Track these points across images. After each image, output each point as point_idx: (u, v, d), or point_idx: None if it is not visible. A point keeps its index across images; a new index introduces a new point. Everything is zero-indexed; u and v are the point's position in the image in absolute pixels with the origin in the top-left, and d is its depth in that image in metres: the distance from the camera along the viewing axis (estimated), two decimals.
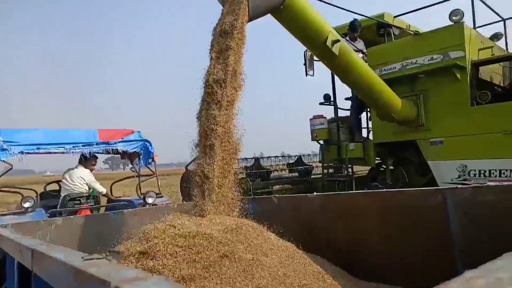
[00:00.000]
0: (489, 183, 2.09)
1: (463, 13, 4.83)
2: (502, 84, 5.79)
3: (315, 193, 3.13)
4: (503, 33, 6.05)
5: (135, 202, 5.00)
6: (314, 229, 2.98)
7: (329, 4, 4.12)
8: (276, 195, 3.52)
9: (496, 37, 5.88)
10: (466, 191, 2.15)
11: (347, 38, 5.63)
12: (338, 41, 3.81)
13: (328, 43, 3.71)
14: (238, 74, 2.85)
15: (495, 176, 4.52)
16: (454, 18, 4.85)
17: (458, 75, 4.80)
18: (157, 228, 2.16)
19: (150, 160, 5.38)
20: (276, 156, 8.52)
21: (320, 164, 8.46)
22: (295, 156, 8.57)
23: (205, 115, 2.77)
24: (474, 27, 5.35)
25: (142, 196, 4.96)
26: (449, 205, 2.22)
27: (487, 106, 4.74)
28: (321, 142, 6.47)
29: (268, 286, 2.04)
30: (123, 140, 5.22)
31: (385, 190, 2.62)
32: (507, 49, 6.29)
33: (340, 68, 4.10)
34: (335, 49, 3.80)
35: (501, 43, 6.16)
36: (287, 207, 3.34)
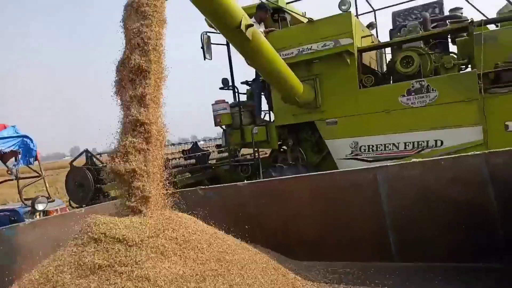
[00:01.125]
0: (413, 160, 2.35)
1: (350, 3, 5.31)
2: (376, 69, 6.61)
3: (245, 182, 3.10)
4: (375, 22, 6.87)
5: (20, 210, 4.20)
6: (247, 218, 2.96)
7: None
8: (201, 187, 3.37)
9: (371, 26, 6.65)
10: (394, 168, 2.40)
11: (253, 19, 5.63)
12: (251, 25, 3.78)
13: (242, 27, 3.64)
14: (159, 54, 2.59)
15: (381, 150, 5.20)
16: (343, 7, 5.28)
17: (348, 60, 5.29)
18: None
19: (32, 160, 4.55)
20: (172, 144, 8.15)
21: (216, 149, 8.48)
22: (191, 143, 8.36)
23: (130, 107, 2.44)
24: (357, 16, 5.94)
25: (28, 203, 4.18)
26: (379, 181, 2.44)
27: (371, 88, 5.37)
28: (224, 127, 6.44)
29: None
30: None
31: (317, 173, 2.74)
32: (377, 37, 7.19)
33: (251, 53, 4.09)
34: (248, 33, 3.76)
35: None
36: (215, 198, 3.23)
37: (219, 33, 7.02)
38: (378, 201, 2.40)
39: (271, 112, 6.96)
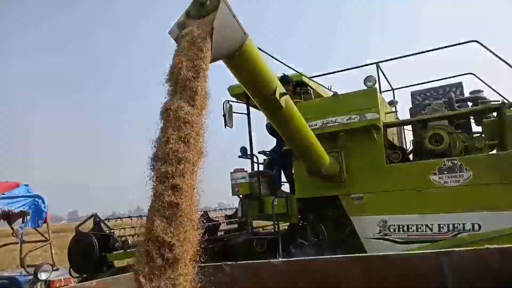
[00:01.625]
0: (487, 246, 2.06)
1: (376, 80, 5.37)
2: (397, 145, 6.51)
3: (280, 259, 2.76)
4: (396, 100, 6.94)
5: (21, 279, 3.79)
6: None
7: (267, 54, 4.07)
8: (227, 263, 3.01)
9: (392, 103, 6.70)
10: (464, 254, 2.09)
11: None
12: (285, 94, 3.73)
13: (277, 95, 3.58)
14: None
15: (413, 231, 4.84)
16: (368, 83, 5.33)
17: (375, 135, 5.18)
18: None
19: (41, 222, 4.24)
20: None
21: (226, 220, 8.06)
22: (200, 211, 7.99)
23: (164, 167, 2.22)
24: (380, 93, 5.99)
25: (30, 271, 3.78)
26: (445, 270, 2.12)
27: (400, 165, 5.19)
28: (241, 196, 6.17)
29: None
30: (5, 197, 4.02)
31: (374, 254, 2.42)
32: (396, 114, 7.22)
33: (282, 121, 3.98)
34: (282, 101, 3.69)
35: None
36: (244, 276, 2.87)
37: (240, 102, 7.22)
38: None
39: (288, 184, 6.76)
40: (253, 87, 3.54)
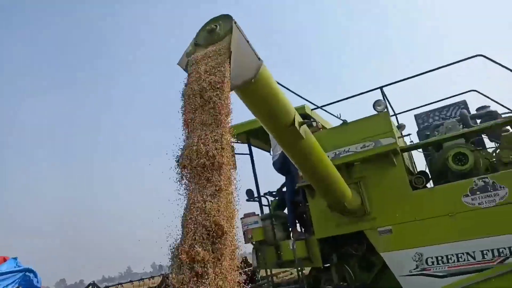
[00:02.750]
0: None
1: (385, 104, 5.11)
2: (411, 170, 6.16)
3: None
4: (404, 124, 6.69)
5: None
6: None
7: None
8: None
9: (400, 127, 6.43)
10: None
11: None
12: (304, 123, 3.39)
13: (296, 124, 3.24)
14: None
15: (453, 261, 4.35)
16: (378, 108, 5.06)
17: (395, 160, 4.83)
18: None
19: None
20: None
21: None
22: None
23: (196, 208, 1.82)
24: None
25: None
26: None
27: (426, 189, 4.81)
28: (254, 243, 5.61)
29: None
30: None
31: None
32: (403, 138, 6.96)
33: (302, 153, 3.61)
34: (302, 131, 3.34)
35: None
36: None
37: (241, 142, 6.86)
38: None
39: (301, 225, 6.27)
40: (270, 117, 3.19)
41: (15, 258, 3.87)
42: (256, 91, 2.83)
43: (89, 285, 5.58)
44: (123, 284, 6.21)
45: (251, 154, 6.51)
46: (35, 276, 3.69)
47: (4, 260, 3.77)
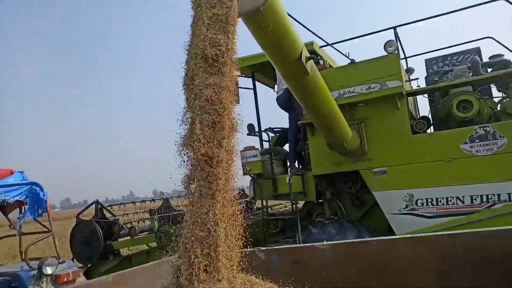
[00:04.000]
0: None
1: (397, 45, 4.94)
2: (414, 114, 6.15)
3: (326, 243, 2.40)
4: (413, 68, 6.54)
5: (24, 275, 3.38)
6: None
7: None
8: (261, 248, 2.66)
9: (409, 71, 6.30)
10: None
11: None
12: (311, 58, 3.31)
13: (303, 59, 3.16)
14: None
15: (443, 204, 4.53)
16: (389, 49, 4.89)
17: (399, 104, 4.81)
18: None
19: (41, 211, 3.81)
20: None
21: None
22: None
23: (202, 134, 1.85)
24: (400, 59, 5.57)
25: (34, 265, 3.39)
26: None
27: (427, 134, 4.85)
28: (252, 176, 5.79)
29: None
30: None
31: (445, 233, 2.07)
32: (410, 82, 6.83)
33: (307, 90, 3.57)
34: (308, 66, 3.28)
35: None
36: (282, 263, 2.52)
37: (245, 76, 6.76)
38: None
39: (299, 161, 6.42)
40: (276, 50, 3.10)
41: (22, 172, 4.04)
42: (264, 20, 2.72)
43: (92, 203, 5.87)
44: (125, 204, 6.54)
45: (254, 89, 6.45)
46: (41, 190, 3.87)
47: (11, 172, 3.93)
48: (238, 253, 1.97)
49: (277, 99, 5.94)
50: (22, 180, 3.81)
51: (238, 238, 2.00)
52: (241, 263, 2.01)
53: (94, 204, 5.91)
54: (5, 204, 3.76)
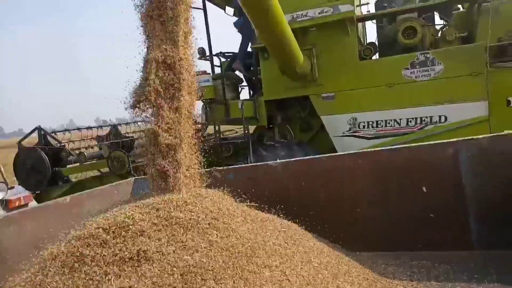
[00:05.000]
0: (506, 131, 2.00)
1: None
2: (362, 40, 6.30)
3: (279, 160, 2.58)
4: None
5: None
6: (287, 203, 2.46)
7: None
8: (217, 168, 2.80)
9: None
10: (483, 142, 2.03)
11: None
12: None
13: None
14: None
15: (382, 127, 4.92)
16: None
17: (349, 30, 4.88)
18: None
19: None
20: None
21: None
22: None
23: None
24: None
25: None
26: (462, 158, 2.08)
27: (373, 61, 5.05)
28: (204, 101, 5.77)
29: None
30: None
31: (382, 149, 2.31)
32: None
33: (262, 10, 3.51)
34: None
35: None
36: (239, 181, 2.69)
37: None
38: (459, 182, 2.04)
39: (250, 87, 6.46)
40: None
41: None
42: None
43: (34, 129, 5.57)
44: (70, 131, 6.28)
45: (204, 9, 6.12)
46: None
47: None
48: (196, 172, 2.07)
49: (235, 23, 5.76)
50: None
51: (196, 157, 2.09)
52: (198, 181, 2.13)
53: (36, 131, 5.62)
54: None
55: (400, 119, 4.84)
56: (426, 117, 4.72)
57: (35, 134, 5.86)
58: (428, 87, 4.69)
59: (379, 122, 4.93)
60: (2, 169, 3.85)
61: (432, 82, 4.67)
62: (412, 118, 4.79)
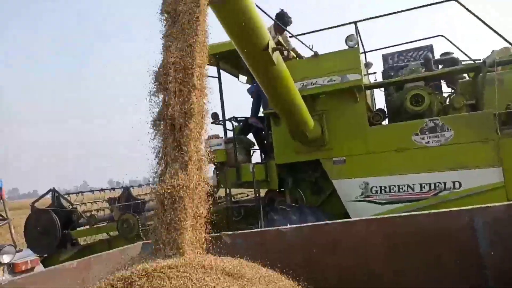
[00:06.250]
0: None
1: (357, 39, 5.17)
2: (371, 107, 6.47)
3: (289, 226, 2.54)
4: (371, 62, 6.85)
5: None
6: (293, 271, 2.37)
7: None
8: (227, 233, 2.76)
9: (367, 65, 6.59)
10: (499, 209, 1.98)
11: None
12: (278, 49, 3.41)
13: (269, 49, 3.26)
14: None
15: (395, 192, 4.85)
16: (350, 43, 5.11)
17: (358, 97, 5.05)
18: None
19: None
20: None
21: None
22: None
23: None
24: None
25: None
26: (477, 226, 2.01)
27: (383, 126, 5.14)
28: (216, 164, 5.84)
29: None
30: None
31: (395, 215, 2.27)
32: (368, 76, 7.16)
33: (272, 79, 3.68)
34: (274, 56, 3.38)
35: None
36: (248, 247, 2.62)
37: (210, 64, 6.74)
38: (475, 251, 1.95)
39: (261, 151, 6.56)
40: (244, 40, 3.18)
41: None
42: (233, 10, 2.79)
43: (49, 191, 5.66)
44: (83, 193, 6.36)
45: (219, 77, 6.46)
46: None
47: None
48: (204, 236, 2.05)
49: (248, 89, 6.05)
50: None
51: (204, 221, 2.08)
52: (206, 246, 2.09)
53: (50, 193, 5.71)
54: None
55: (413, 184, 4.78)
56: (440, 183, 4.66)
57: (48, 196, 5.94)
58: (439, 152, 4.69)
59: (391, 187, 4.87)
60: (13, 230, 3.85)
61: (443, 147, 4.68)
62: (426, 184, 4.72)
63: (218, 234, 2.78)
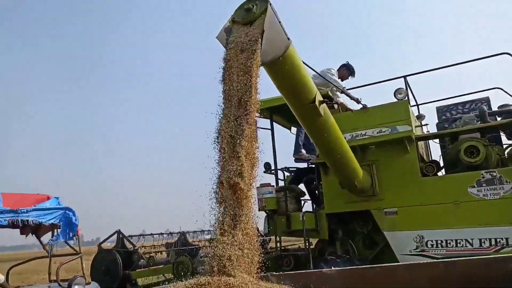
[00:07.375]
0: None
1: (406, 92, 5.30)
2: (425, 158, 6.36)
3: (333, 268, 2.62)
4: (424, 114, 6.84)
5: None
6: None
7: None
8: (273, 273, 2.88)
9: (420, 117, 6.60)
10: None
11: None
12: (324, 102, 3.68)
13: (316, 102, 3.54)
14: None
15: (452, 246, 4.63)
16: (399, 96, 5.26)
17: (409, 148, 5.07)
18: None
19: (72, 234, 4.14)
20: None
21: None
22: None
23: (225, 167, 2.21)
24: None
25: (64, 284, 3.66)
26: None
27: (437, 177, 5.05)
28: (267, 212, 6.02)
29: None
30: (36, 208, 3.95)
31: (440, 261, 2.28)
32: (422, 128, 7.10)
33: (320, 130, 3.91)
34: (322, 109, 3.64)
35: None
36: (295, 285, 2.73)
37: (263, 117, 7.19)
38: None
39: (312, 200, 6.63)
40: (293, 94, 3.50)
41: (57, 198, 4.43)
42: (282, 68, 3.14)
43: (115, 232, 6.17)
44: (144, 236, 6.82)
45: (272, 129, 6.84)
46: (74, 215, 4.21)
47: (48, 198, 4.32)
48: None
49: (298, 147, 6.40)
50: (57, 205, 4.18)
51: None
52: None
53: (116, 234, 6.22)
54: (40, 226, 4.11)
55: (472, 239, 4.54)
56: (502, 238, 4.39)
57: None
58: (499, 206, 4.47)
59: (448, 242, 4.66)
60: (84, 265, 4.28)
61: (503, 201, 4.46)
62: (486, 239, 4.47)
63: (266, 274, 2.92)
